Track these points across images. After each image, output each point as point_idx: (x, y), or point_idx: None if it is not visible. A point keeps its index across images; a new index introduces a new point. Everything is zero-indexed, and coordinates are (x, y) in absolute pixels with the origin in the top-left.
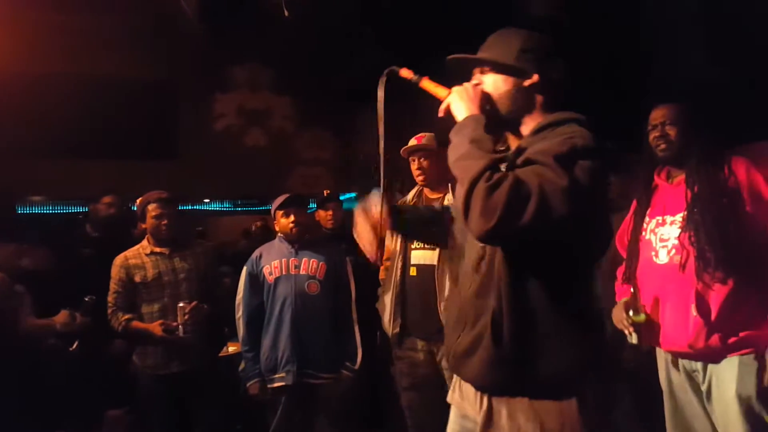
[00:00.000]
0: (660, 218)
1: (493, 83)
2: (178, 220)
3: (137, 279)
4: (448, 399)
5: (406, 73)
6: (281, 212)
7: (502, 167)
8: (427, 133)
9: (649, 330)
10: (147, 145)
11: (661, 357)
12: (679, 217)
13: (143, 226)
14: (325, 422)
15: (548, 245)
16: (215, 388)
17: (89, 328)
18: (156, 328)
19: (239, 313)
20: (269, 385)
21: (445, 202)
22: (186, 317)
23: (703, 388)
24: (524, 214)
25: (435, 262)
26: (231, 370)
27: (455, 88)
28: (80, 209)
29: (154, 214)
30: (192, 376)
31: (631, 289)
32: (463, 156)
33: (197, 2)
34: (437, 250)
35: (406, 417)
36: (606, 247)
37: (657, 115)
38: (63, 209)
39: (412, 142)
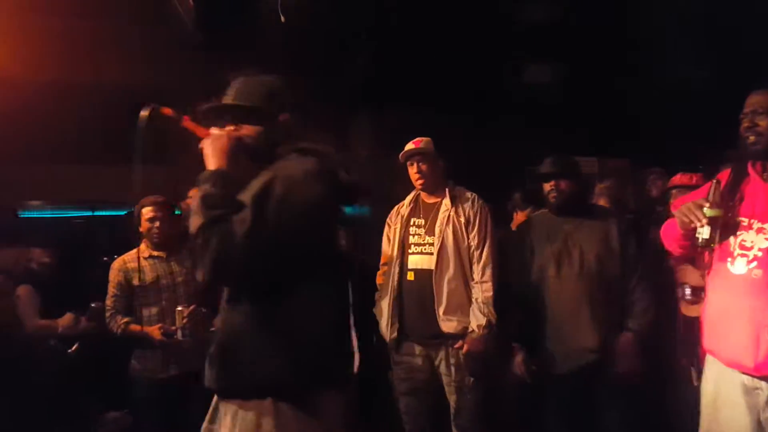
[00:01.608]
0: (746, 221)
1: (248, 126)
2: (173, 223)
3: (135, 282)
4: None
5: (167, 111)
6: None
7: None
8: (424, 138)
9: (722, 229)
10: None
11: (713, 365)
12: None
13: (140, 229)
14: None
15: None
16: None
17: (93, 333)
18: (155, 331)
19: None
20: None
21: (442, 207)
22: (185, 321)
23: (762, 403)
24: (230, 263)
25: (432, 267)
26: None
27: (209, 138)
28: (82, 213)
29: (147, 217)
30: (190, 380)
31: (714, 181)
32: (193, 211)
33: (194, 9)
34: (435, 254)
35: (403, 422)
36: (321, 261)
37: (749, 102)
38: (64, 213)
39: (410, 146)
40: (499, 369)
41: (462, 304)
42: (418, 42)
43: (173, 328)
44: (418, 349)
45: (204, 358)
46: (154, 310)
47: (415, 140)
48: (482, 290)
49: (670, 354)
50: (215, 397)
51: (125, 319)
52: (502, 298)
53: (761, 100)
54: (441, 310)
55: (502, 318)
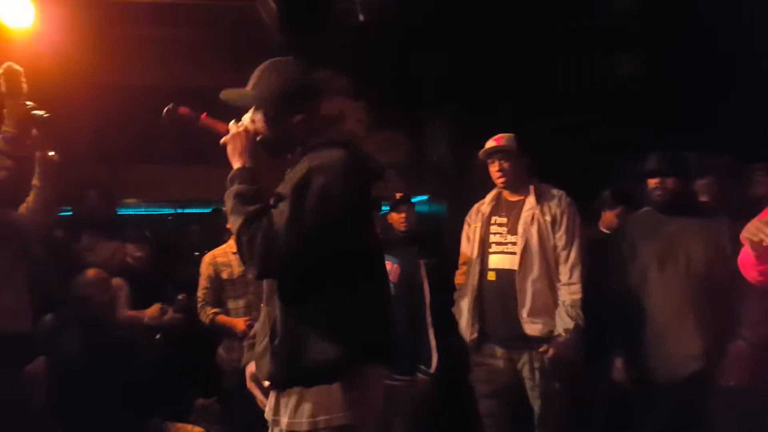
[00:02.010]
0: None
1: (263, 121)
2: None
3: (224, 276)
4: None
5: (184, 110)
6: None
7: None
8: (506, 134)
9: None
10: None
11: None
12: None
13: (228, 225)
14: (401, 425)
15: (312, 265)
16: None
17: (179, 324)
18: (240, 323)
19: None
20: None
21: (526, 205)
22: None
23: None
24: (277, 255)
25: (515, 267)
26: None
27: (229, 133)
28: (166, 211)
29: None
30: None
31: None
32: (230, 211)
33: (277, 11)
34: (518, 254)
35: (484, 425)
36: (362, 246)
37: None
38: (153, 211)
39: (491, 143)
40: (587, 375)
41: (547, 306)
42: (498, 38)
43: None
44: (499, 351)
45: None
46: (241, 302)
47: (496, 137)
48: (569, 292)
49: None
50: (272, 393)
51: (214, 310)
52: (595, 300)
53: None
54: (524, 312)
55: (596, 321)
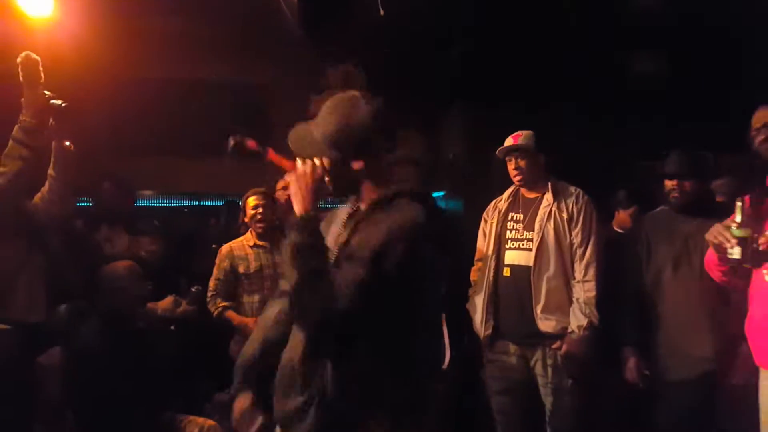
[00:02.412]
0: None
1: (327, 161)
2: (275, 213)
3: (240, 270)
4: None
5: (251, 144)
6: None
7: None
8: (524, 132)
9: (754, 250)
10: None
11: (766, 377)
12: None
13: (245, 219)
14: None
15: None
16: None
17: (192, 316)
18: (251, 322)
19: None
20: None
21: (543, 202)
22: None
23: None
24: (334, 321)
25: (531, 263)
26: None
27: (294, 173)
28: (181, 203)
29: (252, 205)
30: None
31: (738, 203)
32: (288, 262)
33: (297, 5)
34: (533, 250)
35: (496, 422)
36: (430, 310)
37: (758, 118)
38: (166, 203)
39: (509, 141)
40: (599, 372)
41: (562, 303)
42: (512, 38)
43: None
44: (512, 347)
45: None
46: (256, 297)
47: (514, 135)
48: (584, 290)
49: None
50: None
51: (224, 303)
52: (608, 298)
53: None
54: (539, 309)
55: (609, 319)
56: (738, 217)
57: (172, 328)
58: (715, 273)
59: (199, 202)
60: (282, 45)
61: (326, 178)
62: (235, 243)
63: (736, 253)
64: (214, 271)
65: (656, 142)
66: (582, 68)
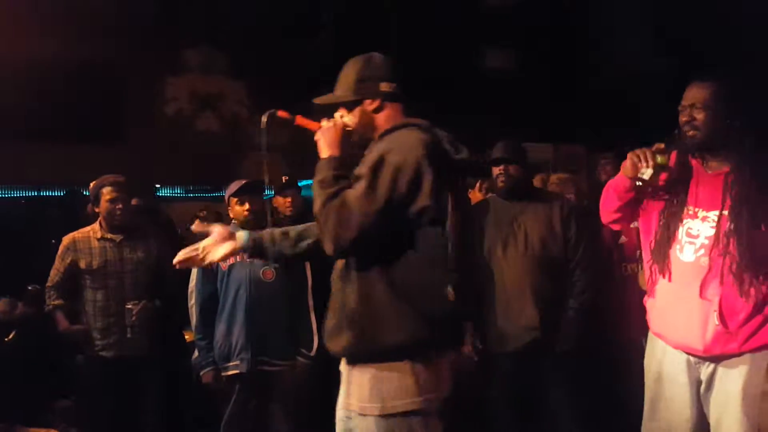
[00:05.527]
0: (691, 209)
1: (348, 115)
2: (132, 206)
3: (82, 265)
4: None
5: (282, 114)
6: (236, 199)
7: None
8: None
9: (663, 179)
10: (95, 129)
11: (657, 344)
12: (713, 215)
13: (96, 209)
14: (281, 410)
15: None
16: (167, 377)
17: (31, 318)
18: (81, 336)
19: (192, 301)
20: (223, 374)
21: None
22: (134, 319)
23: (703, 377)
24: (349, 230)
25: None
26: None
27: (321, 127)
28: (24, 193)
29: (108, 197)
30: (143, 365)
31: (664, 144)
32: (315, 195)
33: None
34: None
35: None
36: (428, 222)
37: (687, 95)
38: (5, 194)
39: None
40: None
41: None
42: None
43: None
44: None
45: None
46: (99, 295)
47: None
48: None
49: (623, 330)
50: (345, 371)
51: (57, 302)
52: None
53: (699, 93)
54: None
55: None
56: (663, 147)
57: (13, 333)
58: (610, 207)
59: (39, 192)
60: (132, 21)
61: (348, 128)
62: (79, 234)
63: (647, 174)
64: (56, 260)
65: (502, 133)
66: (438, 60)
